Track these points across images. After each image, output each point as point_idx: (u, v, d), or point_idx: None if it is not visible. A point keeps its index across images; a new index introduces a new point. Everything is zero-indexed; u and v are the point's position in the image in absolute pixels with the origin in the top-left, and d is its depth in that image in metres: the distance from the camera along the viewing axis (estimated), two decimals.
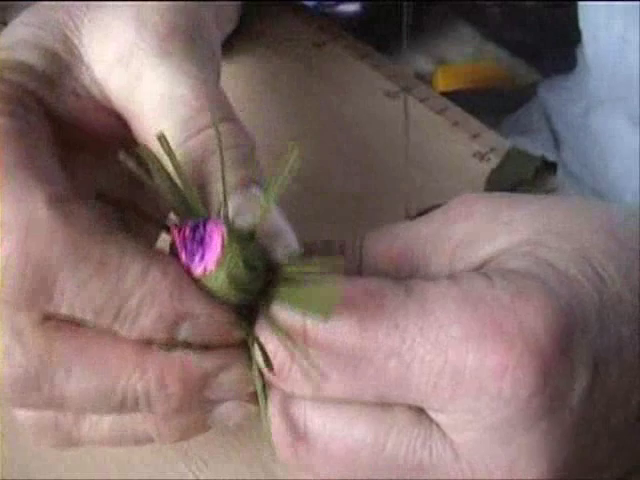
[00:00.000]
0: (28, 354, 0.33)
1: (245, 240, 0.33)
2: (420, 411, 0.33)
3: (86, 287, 0.31)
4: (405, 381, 0.32)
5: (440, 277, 0.34)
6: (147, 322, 0.32)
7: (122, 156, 0.32)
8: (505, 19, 0.64)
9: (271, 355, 0.33)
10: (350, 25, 0.65)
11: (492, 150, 0.51)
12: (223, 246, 0.32)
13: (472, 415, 0.32)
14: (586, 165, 0.58)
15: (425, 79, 0.62)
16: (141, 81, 0.36)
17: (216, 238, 0.32)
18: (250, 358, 0.34)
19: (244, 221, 0.33)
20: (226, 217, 0.33)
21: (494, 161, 0.51)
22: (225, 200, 0.33)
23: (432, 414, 0.33)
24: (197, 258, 0.33)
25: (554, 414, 0.32)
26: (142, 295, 0.32)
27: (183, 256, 0.33)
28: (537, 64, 0.64)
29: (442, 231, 0.36)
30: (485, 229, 0.35)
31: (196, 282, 0.33)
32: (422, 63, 0.65)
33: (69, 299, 0.32)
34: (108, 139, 0.38)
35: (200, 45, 0.38)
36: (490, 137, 0.52)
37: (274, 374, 0.33)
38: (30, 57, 0.36)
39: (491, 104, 0.63)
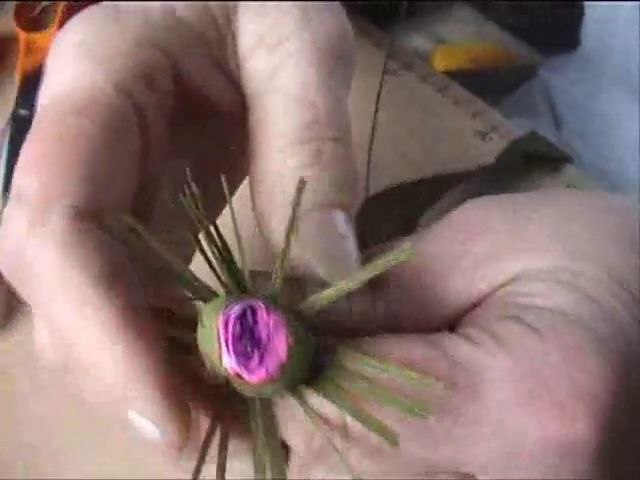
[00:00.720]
0: None
1: (308, 333, 0.27)
2: (465, 475, 0.31)
3: None
4: (459, 460, 0.30)
5: (482, 334, 0.31)
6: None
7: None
8: None
9: (304, 442, 0.30)
10: (349, 3, 0.64)
11: (493, 129, 0.50)
12: (288, 348, 0.26)
13: None
14: (589, 145, 0.57)
15: (424, 59, 0.61)
16: (279, 72, 0.34)
17: (277, 338, 0.26)
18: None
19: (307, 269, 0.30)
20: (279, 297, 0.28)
21: (496, 140, 0.50)
22: (281, 271, 0.28)
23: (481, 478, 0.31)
24: (253, 364, 0.26)
25: (613, 465, 0.31)
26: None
27: (230, 360, 0.26)
28: (538, 45, 0.64)
29: (457, 247, 0.33)
30: (506, 246, 0.33)
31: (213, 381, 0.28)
32: (421, 42, 0.64)
33: None
34: (225, 118, 0.36)
35: (344, 69, 0.36)
36: (491, 116, 0.51)
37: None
38: (190, 15, 0.35)
39: (491, 84, 0.62)
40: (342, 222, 0.32)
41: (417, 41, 0.64)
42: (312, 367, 0.28)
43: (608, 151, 0.57)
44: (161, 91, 0.33)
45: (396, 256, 0.29)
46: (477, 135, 0.50)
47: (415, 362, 0.30)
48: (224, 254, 0.28)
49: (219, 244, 0.28)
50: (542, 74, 0.63)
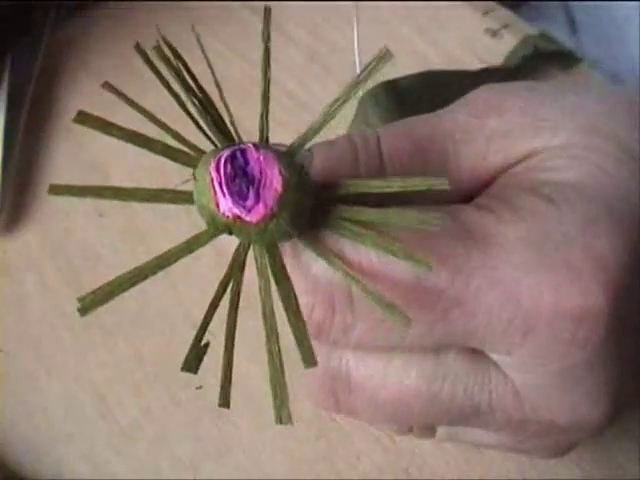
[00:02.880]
0: None
1: (298, 165, 0.27)
2: (475, 351, 0.31)
3: None
4: (468, 329, 0.29)
5: (496, 203, 0.31)
6: None
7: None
8: None
9: (307, 311, 0.29)
10: None
11: (505, 27, 0.50)
12: (282, 180, 0.26)
13: (540, 359, 0.30)
14: (604, 50, 0.56)
15: None
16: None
17: (269, 172, 0.26)
18: None
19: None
20: (267, 141, 0.28)
21: (507, 38, 0.49)
22: (266, 120, 0.28)
23: (493, 355, 0.31)
24: (250, 202, 0.26)
25: (620, 350, 0.30)
26: None
27: (226, 202, 0.26)
28: None
29: (473, 121, 0.33)
30: (522, 124, 0.32)
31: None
32: None
33: None
34: None
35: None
36: (502, 14, 0.50)
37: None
38: None
39: None
40: None
41: None
42: (312, 219, 0.27)
43: (623, 57, 0.56)
44: None
45: (376, 64, 0.28)
46: (487, 32, 0.49)
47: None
48: (207, 107, 0.27)
49: (200, 97, 0.27)
50: None
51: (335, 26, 0.51)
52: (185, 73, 0.27)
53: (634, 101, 0.34)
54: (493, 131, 0.32)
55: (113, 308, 0.43)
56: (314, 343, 0.29)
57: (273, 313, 0.27)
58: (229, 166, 0.26)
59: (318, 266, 0.29)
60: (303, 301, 0.29)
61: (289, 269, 0.28)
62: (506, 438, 0.33)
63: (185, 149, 0.28)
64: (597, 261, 0.29)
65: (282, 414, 0.27)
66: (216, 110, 0.28)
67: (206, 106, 0.27)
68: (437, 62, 0.48)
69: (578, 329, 0.29)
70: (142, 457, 0.41)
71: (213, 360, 0.42)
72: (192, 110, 0.27)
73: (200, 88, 0.27)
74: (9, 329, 0.44)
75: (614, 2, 0.56)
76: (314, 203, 0.27)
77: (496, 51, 0.49)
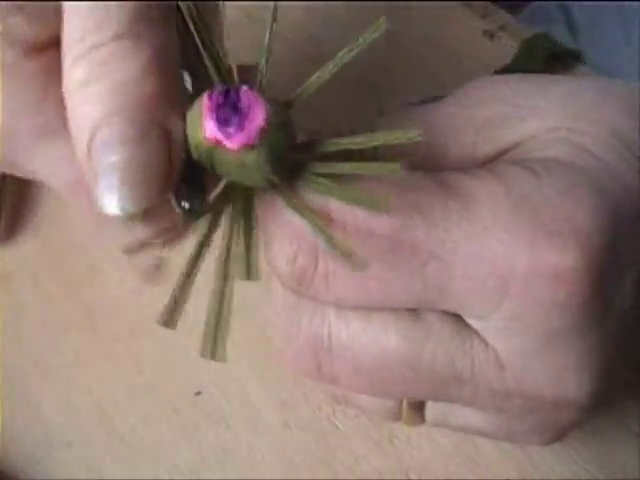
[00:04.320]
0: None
1: (285, 113, 0.29)
2: (457, 319, 0.31)
3: None
4: (445, 286, 0.29)
5: (478, 170, 0.31)
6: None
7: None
8: None
9: (289, 259, 0.30)
10: None
11: (502, 28, 0.49)
12: (266, 118, 0.27)
13: (519, 323, 0.29)
14: (604, 52, 0.56)
15: None
16: None
17: (257, 108, 0.27)
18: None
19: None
20: (261, 85, 0.29)
21: (505, 39, 0.49)
22: (267, 67, 0.30)
23: (472, 322, 0.30)
24: (233, 128, 0.27)
25: (603, 322, 0.30)
26: None
27: (211, 125, 0.27)
28: None
29: (462, 112, 0.33)
30: (512, 112, 0.33)
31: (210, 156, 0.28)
32: None
33: None
34: None
35: None
36: (500, 16, 0.50)
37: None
38: None
39: None
40: None
41: None
42: (291, 173, 0.29)
43: (623, 59, 0.55)
44: None
45: (370, 33, 0.29)
46: (486, 34, 0.49)
47: (408, 184, 0.30)
48: (210, 47, 0.29)
49: (205, 38, 0.29)
50: None
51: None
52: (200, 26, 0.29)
53: (630, 92, 0.34)
54: (482, 121, 0.33)
55: (111, 316, 0.44)
56: (296, 308, 0.32)
57: (230, 259, 0.29)
58: (221, 97, 0.28)
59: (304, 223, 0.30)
60: (286, 250, 0.30)
61: (274, 219, 0.30)
62: (493, 419, 0.33)
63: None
64: (576, 226, 0.29)
65: (217, 350, 0.29)
66: (217, 50, 0.30)
67: (211, 51, 0.29)
68: (436, 64, 0.48)
69: (557, 291, 0.29)
70: (141, 464, 0.41)
71: (212, 368, 0.42)
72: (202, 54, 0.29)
73: (206, 27, 0.29)
74: (7, 337, 0.44)
75: (614, 4, 0.56)
76: (294, 157, 0.29)
77: (494, 53, 0.49)
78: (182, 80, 0.31)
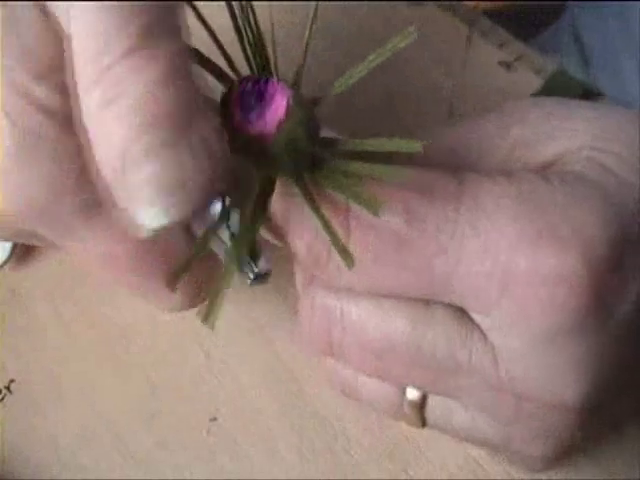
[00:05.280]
0: None
1: (308, 108, 0.31)
2: (461, 311, 0.32)
3: None
4: (450, 279, 0.31)
5: (495, 172, 0.32)
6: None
7: None
8: None
9: (307, 246, 0.32)
10: None
11: (518, 58, 0.50)
12: (287, 109, 0.30)
13: (518, 320, 0.30)
14: (617, 82, 0.56)
15: None
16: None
17: (279, 99, 0.30)
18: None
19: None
20: (295, 84, 0.32)
21: (521, 70, 0.49)
22: (304, 63, 0.32)
23: (475, 316, 0.32)
24: (254, 115, 0.30)
25: (601, 327, 0.30)
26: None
27: (238, 111, 0.30)
28: None
29: (499, 131, 0.34)
30: (543, 132, 0.34)
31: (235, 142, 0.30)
32: None
33: None
34: None
35: None
36: (517, 46, 0.51)
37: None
38: None
39: (518, 25, 0.61)
40: None
41: None
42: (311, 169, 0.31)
43: (635, 86, 0.56)
44: None
45: (399, 40, 0.31)
46: (502, 65, 0.49)
47: (426, 180, 0.31)
48: (257, 40, 0.32)
49: (254, 30, 0.32)
50: (569, 13, 0.62)
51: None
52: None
53: None
54: (516, 140, 0.34)
55: (126, 339, 0.44)
56: (313, 284, 0.34)
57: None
58: (251, 85, 0.30)
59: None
60: (305, 238, 0.32)
61: (297, 209, 0.31)
62: (493, 422, 0.34)
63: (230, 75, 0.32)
64: (582, 232, 0.30)
65: (209, 317, 0.30)
66: (265, 52, 0.32)
67: (257, 46, 0.32)
68: (455, 95, 0.48)
69: (556, 291, 0.30)
70: None
71: (228, 394, 0.42)
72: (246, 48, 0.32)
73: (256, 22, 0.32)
74: (22, 360, 0.44)
75: (627, 35, 0.56)
76: (314, 152, 0.31)
77: (511, 83, 0.49)
78: (204, 80, 0.32)
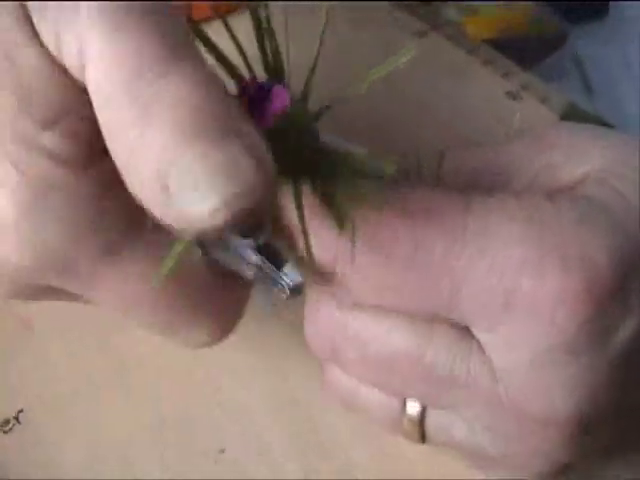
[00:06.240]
0: None
1: (308, 117, 0.32)
2: (463, 327, 0.33)
3: None
4: (455, 298, 0.31)
5: (504, 194, 0.33)
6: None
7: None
8: None
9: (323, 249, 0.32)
10: None
11: (524, 88, 0.50)
12: (284, 111, 0.31)
13: (518, 339, 0.31)
14: (620, 112, 0.57)
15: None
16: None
17: (280, 102, 0.31)
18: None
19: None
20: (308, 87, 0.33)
21: (526, 100, 0.50)
22: (312, 72, 0.33)
23: (476, 332, 0.32)
24: (256, 115, 0.31)
25: (600, 349, 0.31)
26: None
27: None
28: (568, 13, 0.63)
29: (528, 155, 0.35)
30: (566, 158, 0.34)
31: None
32: (452, 13, 0.64)
33: None
34: None
35: None
36: (521, 76, 0.51)
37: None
38: None
39: (521, 54, 0.61)
40: None
41: (448, 13, 0.64)
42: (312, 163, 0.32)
43: (636, 118, 0.56)
44: None
45: (399, 57, 0.32)
46: (508, 95, 0.50)
47: (433, 200, 0.32)
48: (271, 41, 0.33)
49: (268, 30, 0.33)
50: (572, 43, 0.62)
51: None
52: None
53: None
54: (541, 165, 0.35)
55: (137, 370, 0.44)
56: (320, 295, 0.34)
57: None
58: (255, 89, 0.31)
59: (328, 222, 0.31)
60: (321, 242, 0.32)
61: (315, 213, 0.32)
62: (490, 434, 0.34)
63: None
64: (586, 254, 0.30)
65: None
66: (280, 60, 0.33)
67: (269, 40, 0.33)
68: (459, 125, 0.49)
69: (557, 310, 0.30)
70: None
71: (236, 424, 0.42)
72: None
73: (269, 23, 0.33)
74: (32, 387, 0.44)
75: (630, 65, 0.57)
76: (313, 161, 0.32)
77: (516, 113, 0.49)
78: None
